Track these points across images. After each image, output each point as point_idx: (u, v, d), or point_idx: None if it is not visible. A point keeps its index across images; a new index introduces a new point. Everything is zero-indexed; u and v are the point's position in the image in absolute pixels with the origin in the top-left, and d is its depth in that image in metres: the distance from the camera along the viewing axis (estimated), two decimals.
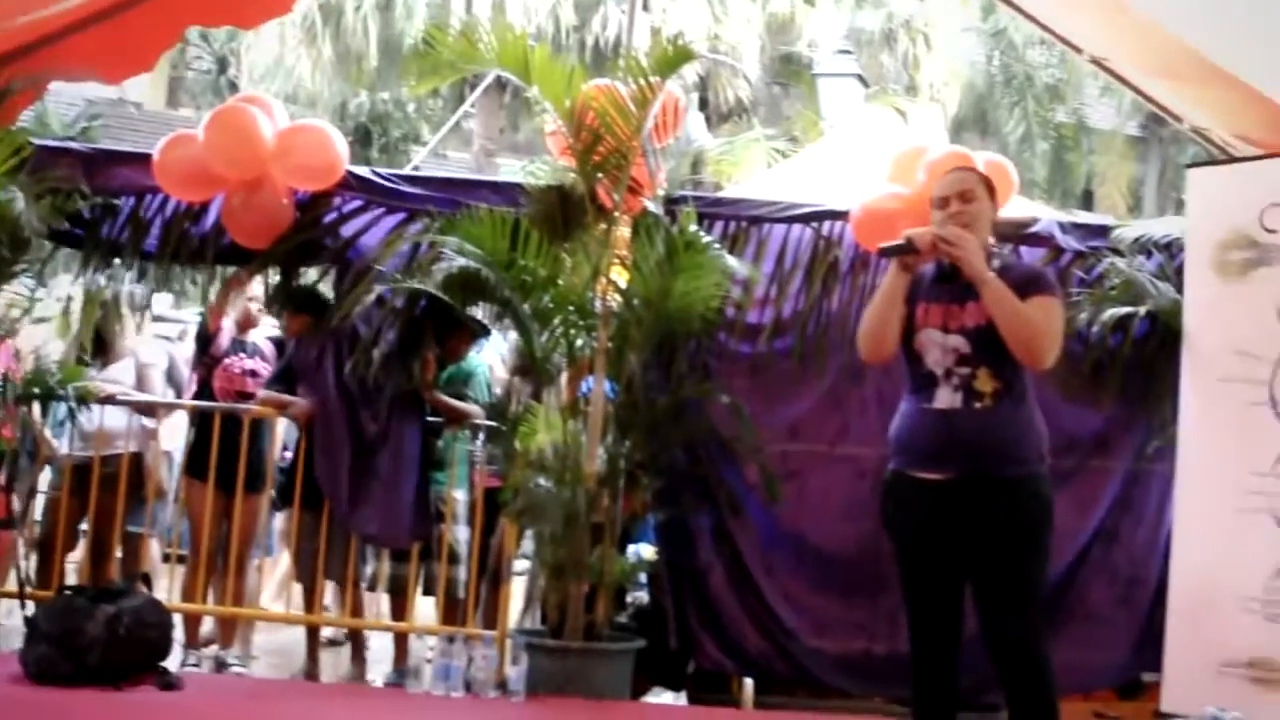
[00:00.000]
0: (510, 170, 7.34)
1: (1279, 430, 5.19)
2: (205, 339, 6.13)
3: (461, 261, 5.30)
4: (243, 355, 6.14)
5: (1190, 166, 5.96)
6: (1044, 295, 3.63)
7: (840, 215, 5.74)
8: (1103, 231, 5.99)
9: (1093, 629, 5.74)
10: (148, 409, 6.16)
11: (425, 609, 6.23)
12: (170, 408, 6.29)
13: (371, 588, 6.16)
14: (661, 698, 5.62)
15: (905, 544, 3.70)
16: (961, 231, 3.61)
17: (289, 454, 6.54)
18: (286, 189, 5.65)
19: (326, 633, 6.51)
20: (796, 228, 5.80)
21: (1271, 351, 5.24)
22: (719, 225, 5.76)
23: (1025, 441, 3.63)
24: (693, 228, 5.29)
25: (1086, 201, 18.95)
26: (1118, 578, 5.78)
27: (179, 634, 5.51)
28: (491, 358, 6.81)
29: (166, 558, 6.46)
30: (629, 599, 6.20)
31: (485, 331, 5.96)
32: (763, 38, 16.34)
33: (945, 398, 3.60)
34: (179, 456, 6.41)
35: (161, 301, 9.04)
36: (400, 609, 5.93)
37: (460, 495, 6.03)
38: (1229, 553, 5.22)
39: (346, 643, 6.32)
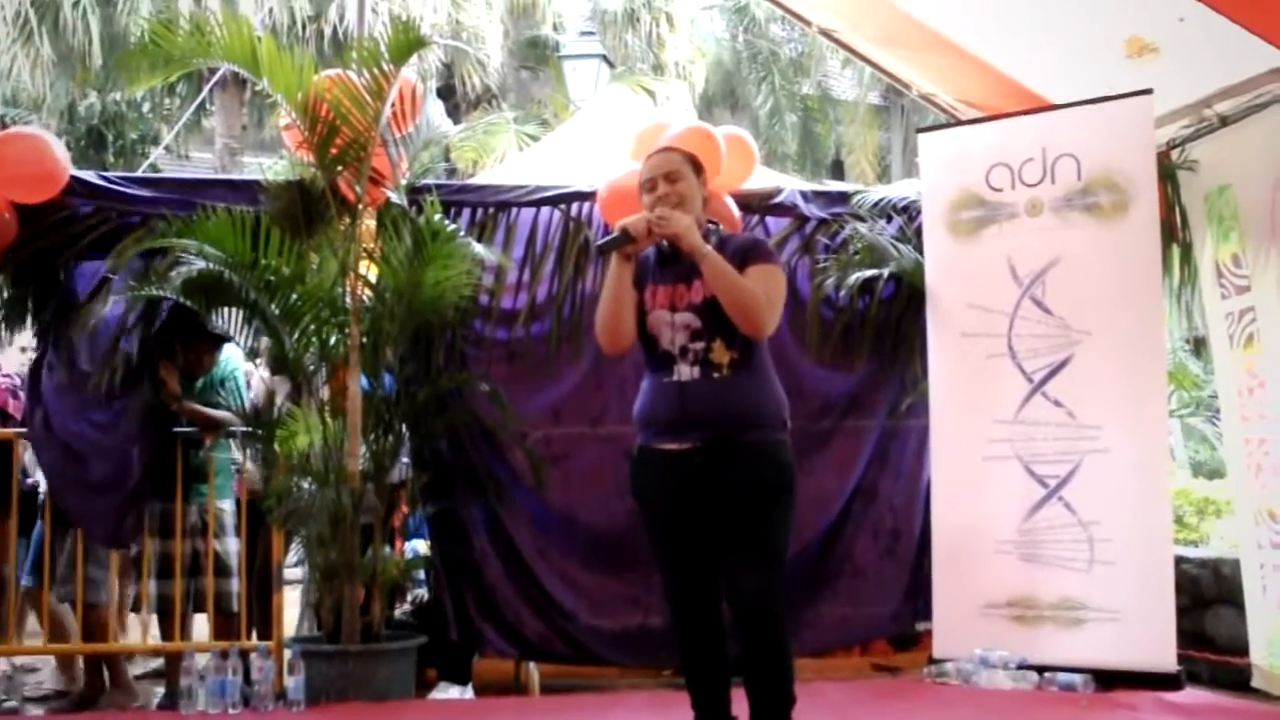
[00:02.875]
0: (256, 169, 7.13)
1: (1019, 379, 5.45)
2: None
3: (201, 264, 5.11)
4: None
5: (921, 131, 6.17)
6: (762, 264, 3.67)
7: (587, 196, 5.76)
8: (844, 198, 6.15)
9: (861, 584, 5.93)
10: None
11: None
12: None
13: (135, 609, 5.88)
14: (448, 693, 5.54)
15: (655, 516, 3.72)
16: (674, 212, 3.62)
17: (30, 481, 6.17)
18: (5, 201, 5.32)
19: (155, 663, 6.29)
20: (545, 211, 5.80)
21: (1006, 305, 5.50)
22: (466, 213, 5.71)
23: (764, 409, 3.66)
24: (439, 217, 5.23)
25: (837, 171, 19.47)
26: (880, 532, 5.98)
27: None
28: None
29: None
30: (410, 595, 6.11)
31: (225, 337, 5.73)
32: (505, 22, 16.24)
33: (684, 372, 3.63)
34: None
35: None
36: (169, 628, 5.68)
37: (226, 505, 5.80)
38: (982, 499, 5.47)
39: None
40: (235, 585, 5.69)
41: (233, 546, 5.74)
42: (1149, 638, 5.05)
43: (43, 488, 5.83)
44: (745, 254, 3.67)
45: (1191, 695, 4.96)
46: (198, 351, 5.68)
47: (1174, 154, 5.67)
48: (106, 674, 5.76)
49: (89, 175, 5.55)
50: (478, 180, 7.47)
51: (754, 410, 3.64)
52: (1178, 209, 5.72)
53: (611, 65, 12.50)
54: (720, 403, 3.59)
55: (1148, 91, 5.24)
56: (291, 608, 6.00)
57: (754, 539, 3.58)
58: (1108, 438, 5.25)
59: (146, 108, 16.25)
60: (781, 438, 3.69)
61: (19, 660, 6.03)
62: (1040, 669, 5.11)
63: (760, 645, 3.59)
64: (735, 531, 3.59)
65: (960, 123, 6.28)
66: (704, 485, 3.59)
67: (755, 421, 3.63)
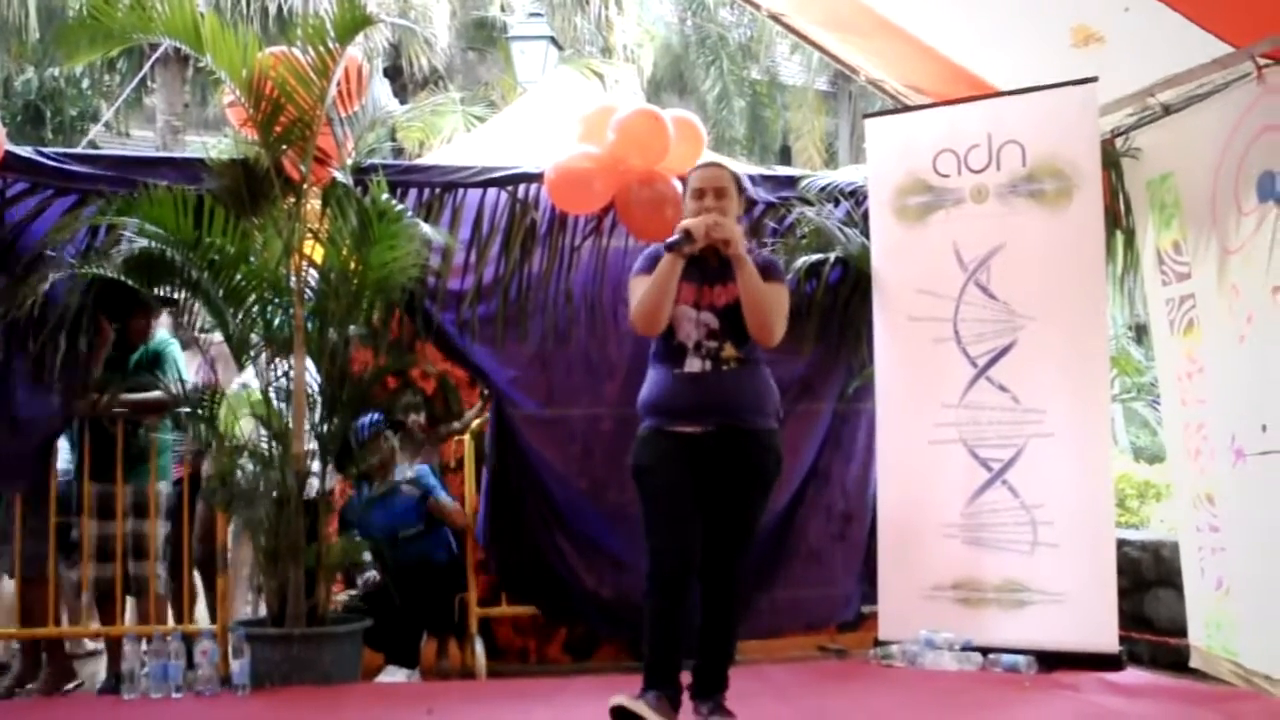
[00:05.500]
0: (198, 147, 7.05)
1: (964, 364, 5.50)
2: None
3: (143, 243, 5.04)
4: None
5: (868, 116, 6.19)
6: (776, 282, 4.12)
7: (534, 178, 5.73)
8: (792, 182, 6.18)
9: (814, 567, 5.97)
10: None
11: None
12: None
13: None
14: (395, 677, 5.52)
15: (662, 489, 3.99)
16: (728, 220, 4.05)
17: None
18: None
19: (86, 644, 6.32)
20: (492, 192, 5.75)
21: (952, 290, 5.54)
22: (413, 193, 5.66)
23: (765, 400, 4.09)
24: (385, 197, 5.18)
25: (785, 156, 19.49)
26: (833, 515, 6.02)
27: None
28: None
29: None
30: (360, 579, 6.06)
31: (161, 303, 5.65)
32: (453, 2, 16.10)
33: (695, 364, 4.02)
34: None
35: None
36: (109, 613, 5.61)
37: (163, 488, 5.73)
38: (928, 482, 5.52)
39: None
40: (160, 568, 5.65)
41: (161, 530, 5.69)
42: (1091, 619, 5.12)
43: None
44: (764, 270, 4.07)
45: (1132, 675, 5.04)
46: (134, 321, 5.61)
47: (1118, 142, 5.71)
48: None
49: (25, 151, 5.43)
50: (424, 161, 7.40)
51: (759, 398, 4.06)
52: (1121, 196, 5.77)
53: (560, 47, 12.46)
54: (731, 391, 4.02)
55: (1093, 80, 5.28)
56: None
57: (743, 523, 4.04)
58: (1051, 422, 5.30)
59: (86, 84, 15.99)
60: (775, 426, 4.12)
61: None
62: (984, 650, 5.16)
63: (727, 622, 4.05)
64: (728, 513, 4.01)
65: (907, 109, 6.30)
66: (711, 466, 3.97)
67: (760, 409, 4.06)
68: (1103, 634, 5.10)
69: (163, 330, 5.95)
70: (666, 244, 4.01)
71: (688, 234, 3.99)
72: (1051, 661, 5.05)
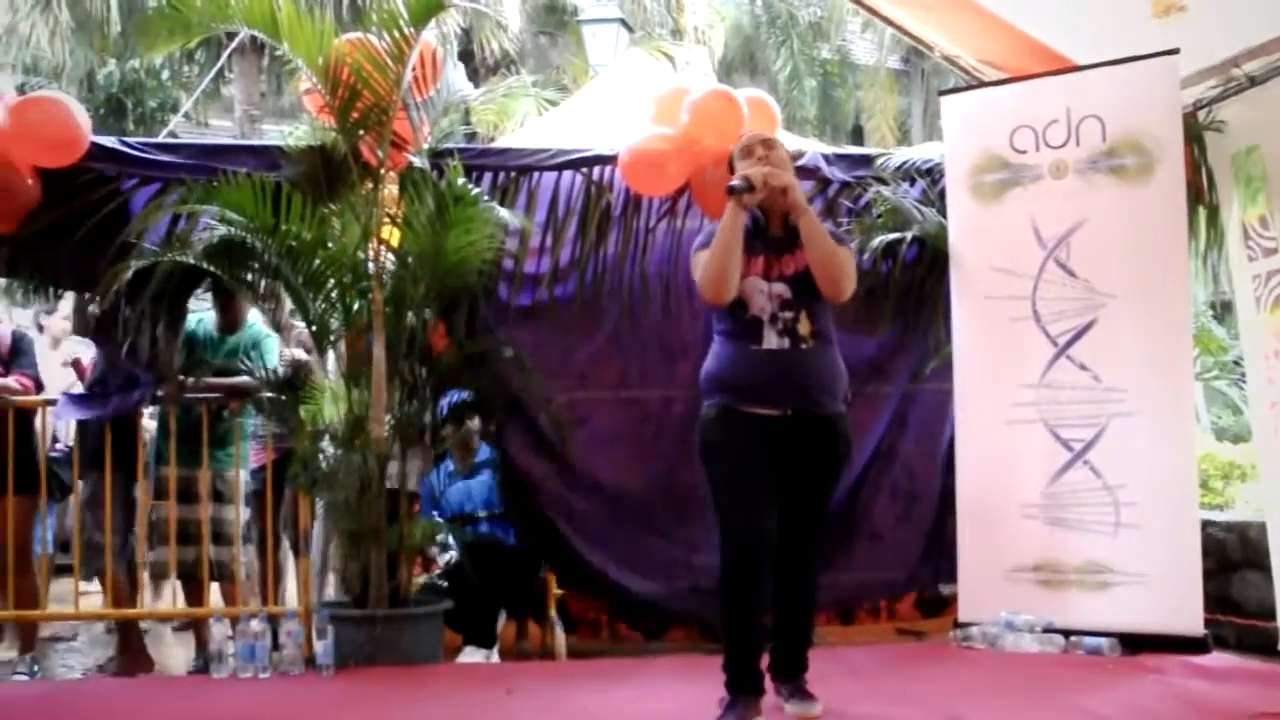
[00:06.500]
0: (276, 135, 7.12)
1: (1043, 342, 5.42)
2: None
3: (224, 230, 5.11)
4: None
5: (944, 93, 6.11)
6: (839, 245, 3.99)
7: (609, 160, 5.73)
8: (867, 161, 6.12)
9: (877, 546, 5.96)
10: None
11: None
12: None
13: (161, 575, 5.94)
14: (474, 657, 5.57)
15: (735, 472, 3.89)
16: (781, 170, 3.95)
17: (61, 445, 6.21)
18: (28, 166, 5.31)
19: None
20: (567, 175, 5.77)
21: (1030, 268, 5.46)
22: (488, 177, 5.69)
23: (838, 381, 4.01)
24: (461, 181, 5.21)
25: (857, 136, 19.35)
26: (898, 496, 5.99)
27: None
28: None
29: None
30: (443, 560, 6.12)
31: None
32: None
33: (773, 340, 3.90)
34: None
35: None
36: (195, 595, 5.72)
37: (240, 475, 5.83)
38: (1008, 463, 5.45)
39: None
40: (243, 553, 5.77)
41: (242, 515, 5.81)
42: (1175, 601, 5.03)
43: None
44: None
45: (1218, 659, 4.94)
46: (234, 307, 5.72)
47: (1201, 114, 5.62)
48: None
49: (109, 140, 5.53)
50: (498, 144, 7.44)
51: (833, 382, 3.98)
52: (1204, 170, 5.68)
53: (630, 30, 12.44)
54: (807, 373, 3.92)
55: (1174, 51, 5.18)
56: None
57: (816, 507, 4.01)
58: (1133, 401, 5.22)
59: (165, 75, 16.24)
60: (844, 410, 4.03)
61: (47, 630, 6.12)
62: (1066, 633, 5.11)
63: (804, 605, 4.07)
64: (801, 497, 3.96)
65: (983, 84, 6.21)
66: (786, 450, 3.89)
67: (833, 392, 3.98)
68: (1187, 616, 5.02)
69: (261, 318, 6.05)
70: (728, 187, 3.89)
71: (746, 180, 3.86)
72: (1135, 644, 4.99)
